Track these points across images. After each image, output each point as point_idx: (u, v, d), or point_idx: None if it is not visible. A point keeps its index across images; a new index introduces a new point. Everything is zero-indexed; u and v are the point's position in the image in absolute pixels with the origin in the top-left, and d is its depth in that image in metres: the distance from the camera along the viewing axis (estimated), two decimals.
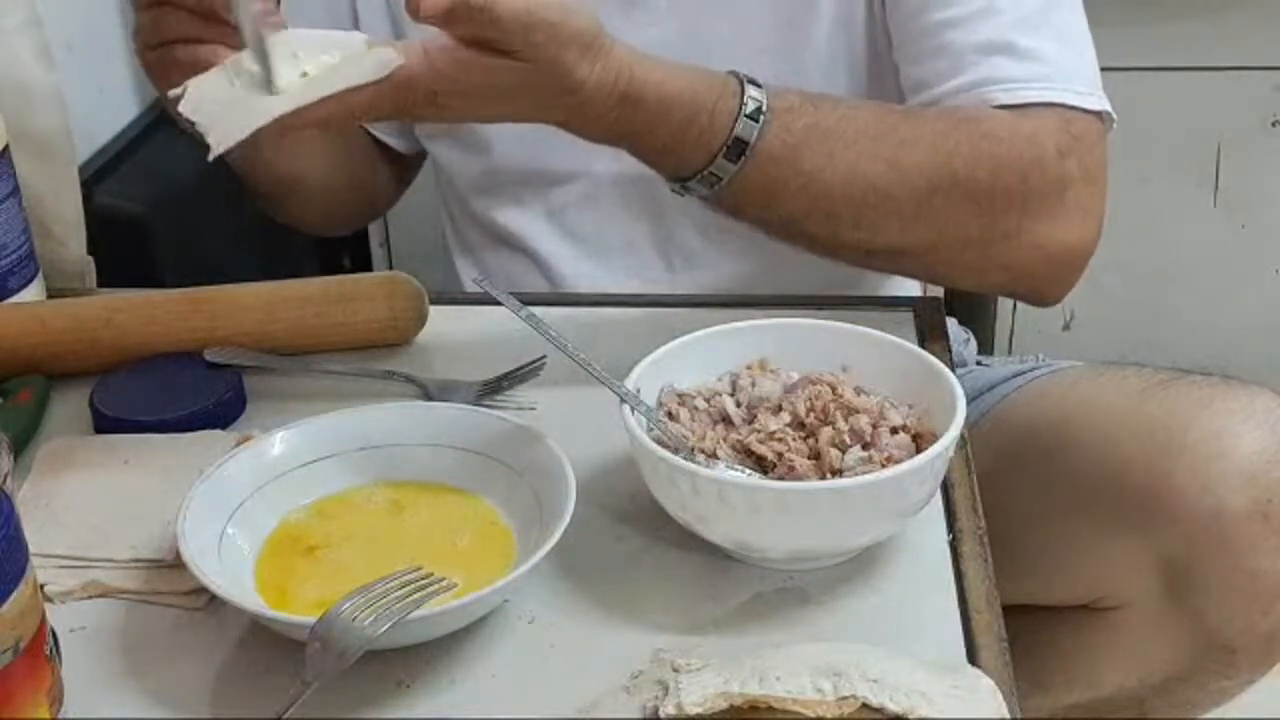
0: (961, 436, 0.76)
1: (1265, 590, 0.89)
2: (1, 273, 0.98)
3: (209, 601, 0.73)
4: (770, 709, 0.63)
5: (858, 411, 0.77)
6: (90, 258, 1.14)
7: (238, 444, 0.84)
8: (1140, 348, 1.85)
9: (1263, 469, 0.87)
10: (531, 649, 0.71)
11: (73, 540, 0.78)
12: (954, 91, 0.95)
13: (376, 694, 0.68)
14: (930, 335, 0.97)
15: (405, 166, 1.25)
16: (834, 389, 0.79)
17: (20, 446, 0.86)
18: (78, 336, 0.94)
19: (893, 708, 0.62)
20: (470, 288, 1.17)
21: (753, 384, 0.81)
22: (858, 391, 0.79)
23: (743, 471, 0.76)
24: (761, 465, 0.77)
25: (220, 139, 0.77)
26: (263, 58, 0.79)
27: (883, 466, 0.74)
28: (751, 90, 0.87)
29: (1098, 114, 0.95)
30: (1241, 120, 1.87)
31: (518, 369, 0.92)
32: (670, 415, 0.79)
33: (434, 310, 0.98)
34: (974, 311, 1.30)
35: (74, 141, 1.12)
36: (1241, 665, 0.94)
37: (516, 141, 1.10)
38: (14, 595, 0.61)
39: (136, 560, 0.76)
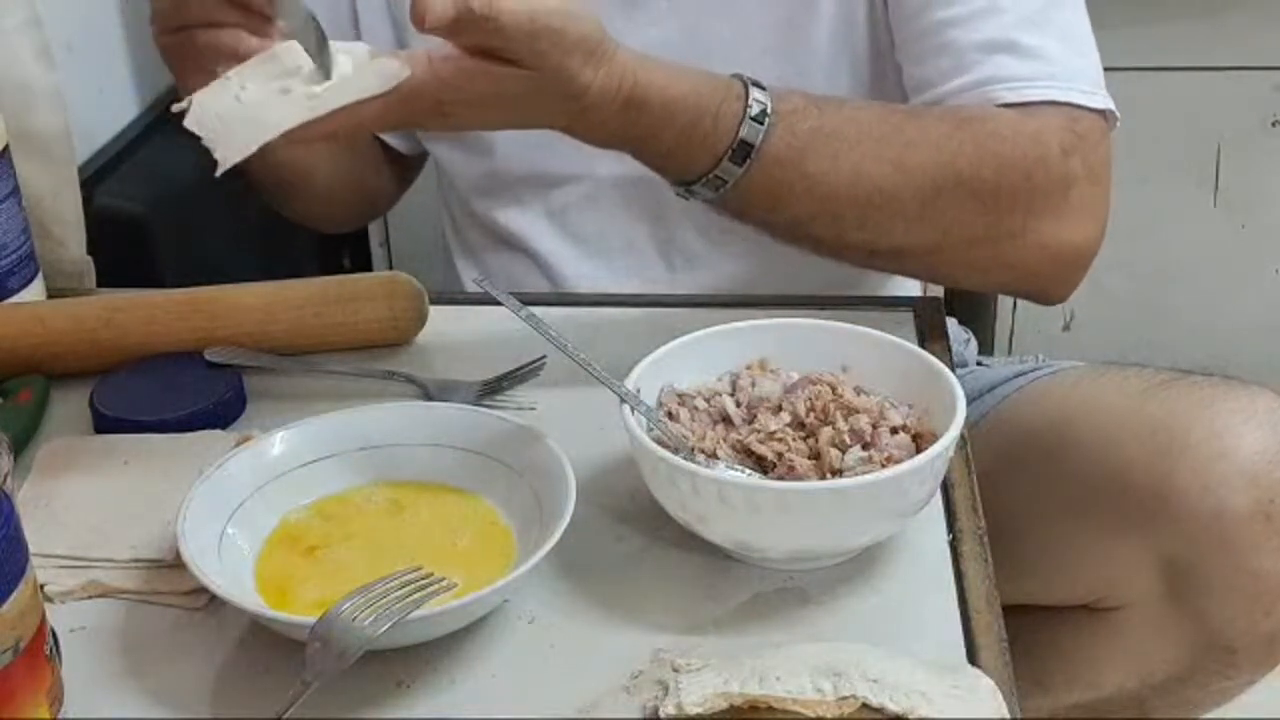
0: (961, 436, 0.76)
1: (1266, 590, 0.89)
2: (1, 273, 0.98)
3: (209, 601, 0.73)
4: (770, 709, 0.63)
5: (858, 411, 0.77)
6: (90, 258, 1.14)
7: (238, 444, 0.84)
8: (1140, 348, 1.85)
9: (1264, 469, 0.87)
10: (531, 649, 0.71)
11: (73, 540, 0.77)
12: (957, 91, 0.95)
13: (376, 694, 0.68)
14: (930, 335, 0.97)
15: (407, 167, 1.25)
16: (834, 389, 0.79)
17: (20, 446, 0.86)
18: (78, 336, 0.94)
19: (893, 708, 0.62)
20: (470, 288, 1.17)
21: (753, 384, 0.81)
22: (858, 391, 0.79)
23: (743, 471, 0.76)
24: (761, 465, 0.77)
25: (226, 154, 0.77)
26: (315, 46, 0.78)
27: (883, 466, 0.74)
28: (756, 93, 0.87)
29: (1101, 112, 0.95)
30: (1241, 120, 1.87)
31: (518, 369, 0.92)
32: (670, 415, 0.79)
33: (434, 310, 0.98)
34: (974, 311, 1.30)
35: (74, 141, 1.12)
36: (1243, 666, 0.94)
37: (518, 144, 1.10)
38: (14, 595, 0.61)
39: (136, 560, 0.76)
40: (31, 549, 0.63)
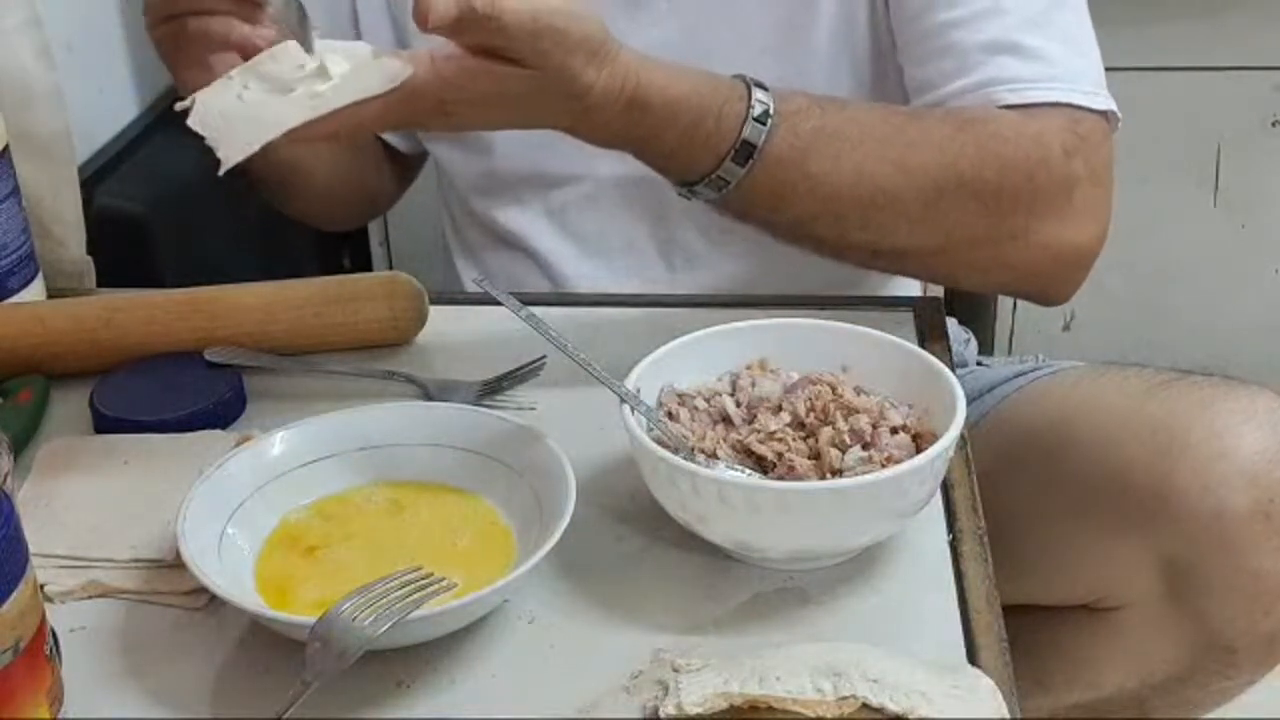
0: (961, 436, 0.76)
1: (1267, 590, 0.89)
2: (1, 273, 0.98)
3: (209, 601, 0.73)
4: (770, 709, 0.63)
5: (858, 411, 0.77)
6: (90, 258, 1.14)
7: (238, 444, 0.84)
8: (1140, 348, 1.85)
9: (1264, 469, 0.87)
10: (531, 649, 0.71)
11: (73, 540, 0.77)
12: (959, 92, 0.95)
13: (376, 694, 0.68)
14: (930, 335, 0.97)
15: (407, 166, 1.25)
16: (834, 389, 0.79)
17: (20, 446, 0.86)
18: (78, 336, 0.94)
19: (893, 708, 0.62)
20: (470, 288, 1.17)
21: (753, 384, 0.81)
22: (858, 391, 0.79)
23: (743, 471, 0.76)
24: (761, 465, 0.77)
25: (229, 153, 0.78)
26: (296, 23, 0.79)
27: (883, 466, 0.74)
28: (759, 94, 0.87)
29: (1103, 114, 0.95)
30: (1241, 120, 1.87)
31: (518, 369, 0.92)
32: (670, 415, 0.79)
33: (434, 310, 0.98)
34: (974, 311, 1.30)
35: (74, 141, 1.12)
36: (1243, 665, 0.94)
37: (518, 143, 1.10)
38: (14, 595, 0.61)
39: (136, 560, 0.76)
40: (31, 549, 0.63)
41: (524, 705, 0.67)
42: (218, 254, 1.38)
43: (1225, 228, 1.94)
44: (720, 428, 0.79)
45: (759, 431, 0.77)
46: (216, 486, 0.75)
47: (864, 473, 0.73)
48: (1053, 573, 0.99)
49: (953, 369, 0.78)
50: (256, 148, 0.78)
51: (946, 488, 0.80)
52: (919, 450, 0.74)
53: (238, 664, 0.70)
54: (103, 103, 1.37)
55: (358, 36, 1.13)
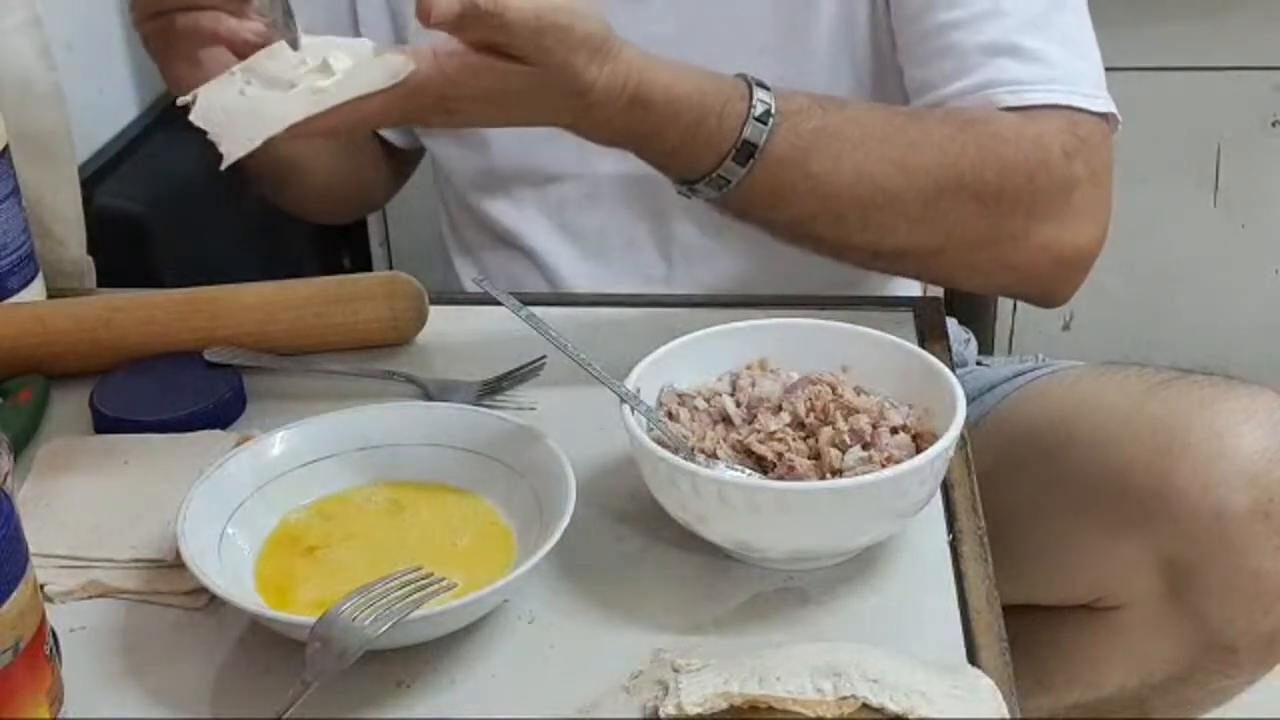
0: (961, 436, 0.76)
1: (1267, 590, 0.89)
2: (1, 273, 0.98)
3: (209, 601, 0.73)
4: (770, 709, 0.63)
5: (858, 411, 0.77)
6: (90, 258, 1.14)
7: (238, 444, 0.84)
8: (1140, 348, 1.85)
9: (1264, 469, 0.87)
10: (531, 649, 0.71)
11: (73, 540, 0.77)
12: (959, 93, 0.95)
13: (376, 694, 0.68)
14: (930, 335, 0.97)
15: (404, 161, 1.25)
16: (834, 389, 0.79)
17: (20, 446, 0.86)
18: (78, 336, 0.94)
19: (893, 708, 0.62)
20: (470, 287, 1.17)
21: (753, 384, 0.81)
22: (858, 391, 0.79)
23: (743, 471, 0.76)
24: (761, 465, 0.77)
25: (231, 148, 0.78)
26: (281, 18, 0.79)
27: (883, 466, 0.74)
28: (760, 93, 0.87)
29: (1103, 115, 0.95)
30: (1241, 120, 1.87)
31: (518, 369, 0.92)
32: (670, 415, 0.79)
33: (434, 310, 0.98)
34: (974, 311, 1.30)
35: (74, 141, 1.12)
36: (1243, 665, 0.94)
37: (515, 139, 1.10)
38: (14, 595, 0.61)
39: (136, 560, 0.76)
40: (31, 549, 0.63)
41: (524, 705, 0.67)
42: (218, 254, 1.38)
43: (1225, 228, 1.94)
44: (720, 428, 0.79)
45: (759, 431, 0.77)
46: (216, 486, 0.75)
47: (864, 473, 0.73)
48: (1053, 573, 0.99)
49: (953, 369, 0.78)
50: (259, 143, 0.78)
51: (946, 488, 0.80)
52: (919, 450, 0.74)
53: (238, 664, 0.70)
54: (103, 103, 1.37)
55: (356, 31, 1.13)
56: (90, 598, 0.75)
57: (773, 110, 0.87)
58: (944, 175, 0.90)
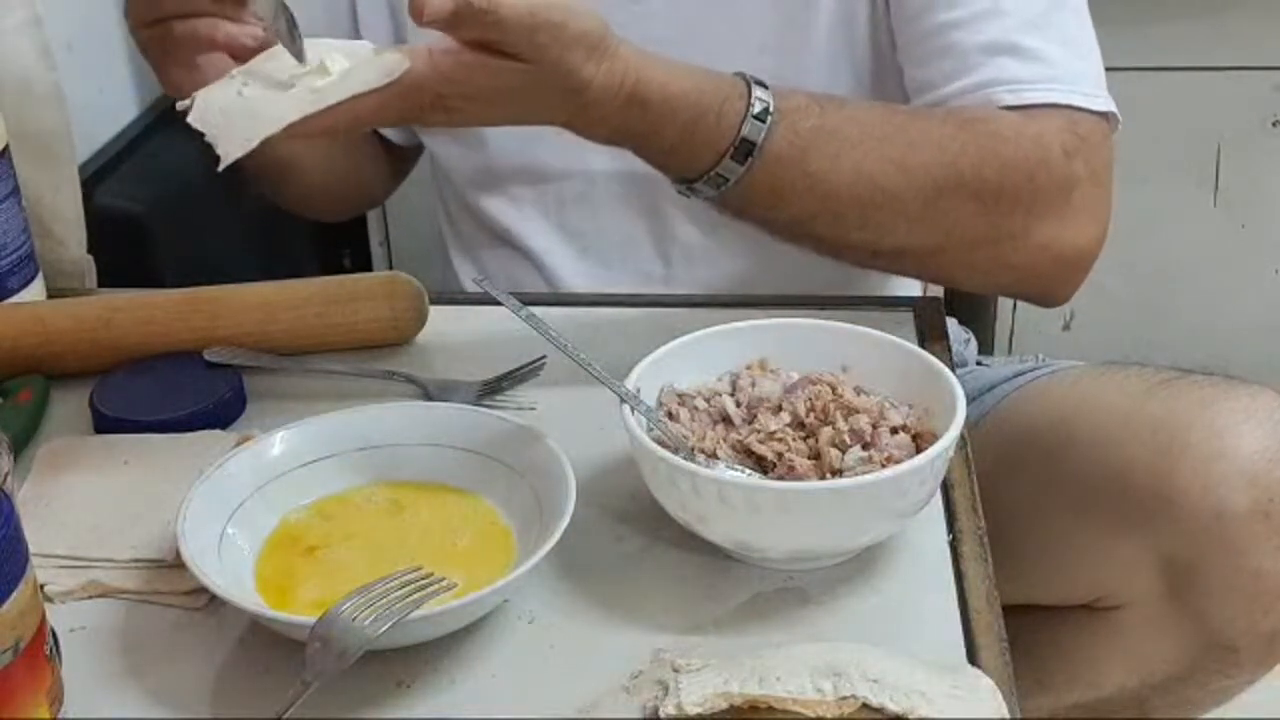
0: (961, 436, 0.76)
1: (1267, 590, 0.89)
2: (1, 273, 0.98)
3: (209, 601, 0.73)
4: (770, 709, 0.63)
5: (858, 411, 0.77)
6: (90, 258, 1.14)
7: (238, 444, 0.84)
8: (1140, 348, 1.85)
9: (1264, 469, 0.86)
10: (531, 649, 0.71)
11: (73, 540, 0.77)
12: (959, 93, 0.95)
13: (376, 694, 0.68)
14: (930, 335, 0.97)
15: (402, 159, 1.25)
16: (834, 389, 0.79)
17: (20, 446, 0.86)
18: (78, 336, 0.94)
19: (893, 708, 0.62)
20: (470, 287, 1.17)
21: (753, 384, 0.81)
22: (858, 391, 0.79)
23: (743, 471, 0.76)
24: (761, 465, 0.77)
25: (229, 149, 0.78)
26: (285, 32, 0.79)
27: (883, 466, 0.74)
28: (759, 91, 0.87)
29: (1103, 115, 0.95)
30: (1241, 120, 1.87)
31: (518, 369, 0.92)
32: (670, 415, 0.79)
33: (434, 310, 0.98)
34: (974, 311, 1.30)
35: (74, 141, 1.12)
36: (1243, 665, 0.94)
37: (513, 138, 1.10)
38: (14, 595, 0.61)
39: (136, 560, 0.76)
40: (31, 549, 0.63)
41: (524, 705, 0.67)
42: (218, 254, 1.39)
43: (1225, 228, 1.94)
44: (720, 428, 0.79)
45: (759, 431, 0.77)
46: (216, 486, 0.75)
47: (864, 473, 0.73)
48: (1053, 573, 0.99)
49: (953, 369, 0.78)
50: (256, 143, 0.78)
51: (946, 488, 0.80)
52: (919, 450, 0.74)
53: (238, 664, 0.70)
54: (103, 103, 1.37)
55: (356, 30, 1.13)
56: (90, 598, 0.75)
57: (771, 108, 0.87)
58: (943, 174, 0.90)
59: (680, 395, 0.81)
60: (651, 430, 0.76)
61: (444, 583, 0.69)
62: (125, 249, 1.25)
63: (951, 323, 1.13)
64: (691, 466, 0.71)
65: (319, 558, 0.75)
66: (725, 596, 0.74)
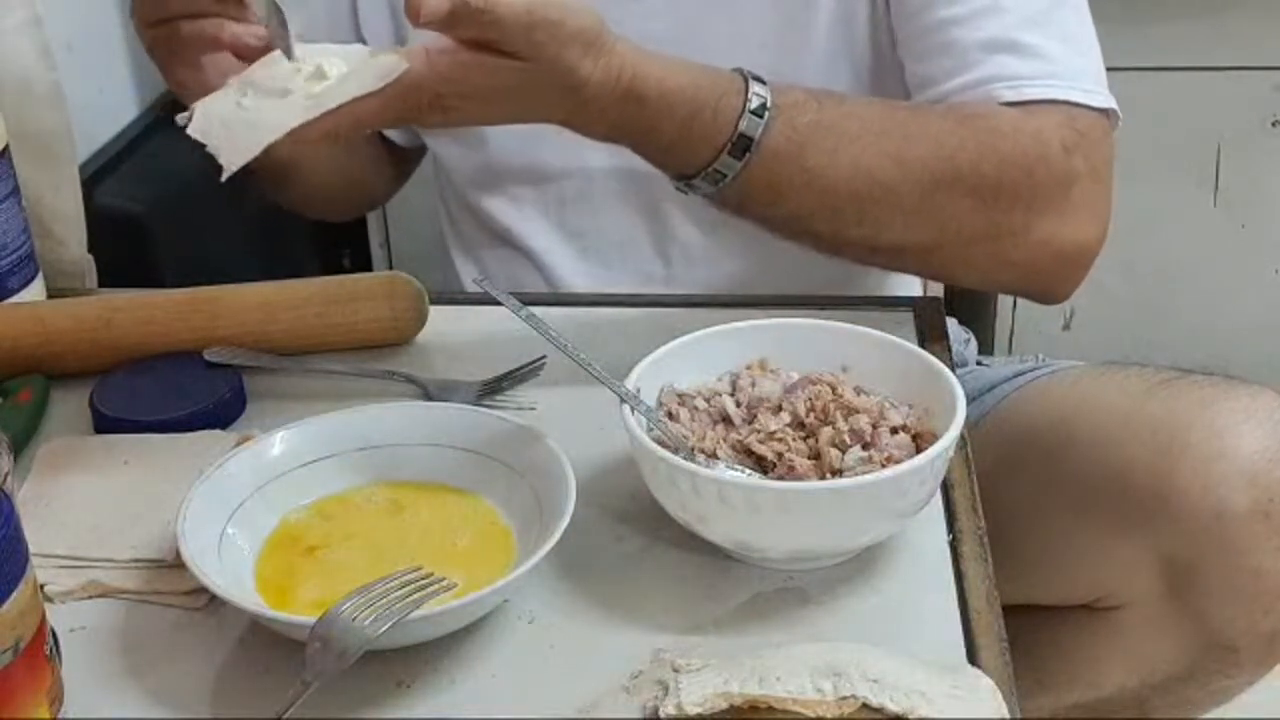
0: (961, 436, 0.76)
1: (1267, 590, 0.89)
2: (1, 273, 0.98)
3: (209, 601, 0.73)
4: (770, 709, 0.63)
5: (858, 411, 0.77)
6: (90, 258, 1.14)
7: (238, 444, 0.84)
8: (1140, 348, 1.85)
9: (1264, 469, 0.86)
10: (531, 649, 0.71)
11: (73, 540, 0.77)
12: (959, 89, 0.95)
13: (376, 694, 0.68)
14: (930, 335, 0.97)
15: (405, 159, 1.25)
16: (834, 389, 0.79)
17: (20, 446, 0.86)
18: (78, 336, 0.94)
19: (893, 708, 0.62)
20: (470, 287, 1.17)
21: (753, 384, 0.81)
22: (858, 391, 0.79)
23: (743, 471, 0.76)
24: (761, 465, 0.77)
25: (231, 159, 0.79)
26: (276, 30, 0.79)
27: (883, 466, 0.74)
28: (756, 86, 0.87)
29: (1104, 111, 0.95)
30: (1241, 120, 1.87)
31: (518, 369, 0.92)
32: (670, 415, 0.79)
33: (434, 310, 0.98)
34: (974, 311, 1.30)
35: (74, 141, 1.12)
36: (1243, 665, 0.94)
37: (513, 136, 1.10)
38: (14, 595, 0.61)
39: (136, 560, 0.76)
40: (31, 549, 0.63)
41: (524, 705, 0.67)
42: (218, 254, 1.39)
43: (1225, 228, 1.94)
44: (720, 428, 0.79)
45: (759, 431, 0.77)
46: (216, 486, 0.75)
47: (864, 473, 0.73)
48: (1053, 573, 0.99)
49: (953, 369, 0.78)
50: (257, 152, 0.78)
51: (946, 488, 0.80)
52: (919, 450, 0.74)
53: (238, 664, 0.70)
54: (103, 103, 1.37)
55: (357, 30, 1.13)
56: (90, 598, 0.75)
57: (768, 104, 0.87)
58: (940, 169, 0.90)
59: (680, 395, 0.81)
60: (651, 430, 0.76)
61: (444, 583, 0.69)
62: (125, 249, 1.25)
63: (951, 323, 1.13)
64: (691, 466, 0.71)
65: (319, 558, 0.75)
66: (725, 596, 0.74)
